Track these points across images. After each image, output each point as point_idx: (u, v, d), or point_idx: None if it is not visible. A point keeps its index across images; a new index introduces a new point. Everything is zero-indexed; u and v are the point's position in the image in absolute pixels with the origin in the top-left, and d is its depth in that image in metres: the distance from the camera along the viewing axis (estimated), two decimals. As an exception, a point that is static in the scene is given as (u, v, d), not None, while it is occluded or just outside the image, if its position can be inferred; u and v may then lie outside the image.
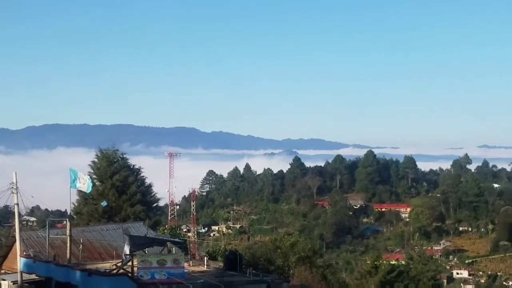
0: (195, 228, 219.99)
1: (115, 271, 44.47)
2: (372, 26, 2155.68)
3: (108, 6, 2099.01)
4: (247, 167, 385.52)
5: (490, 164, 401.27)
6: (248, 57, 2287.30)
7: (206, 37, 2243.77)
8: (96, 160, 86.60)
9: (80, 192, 75.44)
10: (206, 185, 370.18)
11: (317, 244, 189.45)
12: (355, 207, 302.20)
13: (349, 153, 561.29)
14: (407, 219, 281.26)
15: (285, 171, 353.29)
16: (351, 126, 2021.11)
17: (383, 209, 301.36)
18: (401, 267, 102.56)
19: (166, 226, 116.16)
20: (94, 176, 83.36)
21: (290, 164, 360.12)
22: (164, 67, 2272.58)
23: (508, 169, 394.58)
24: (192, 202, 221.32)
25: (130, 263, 43.86)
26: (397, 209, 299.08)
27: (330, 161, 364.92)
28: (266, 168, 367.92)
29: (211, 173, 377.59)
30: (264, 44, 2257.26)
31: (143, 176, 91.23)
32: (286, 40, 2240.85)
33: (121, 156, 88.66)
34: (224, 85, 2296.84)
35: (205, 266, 54.71)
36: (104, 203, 71.87)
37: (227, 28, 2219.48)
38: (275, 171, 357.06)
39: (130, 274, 42.58)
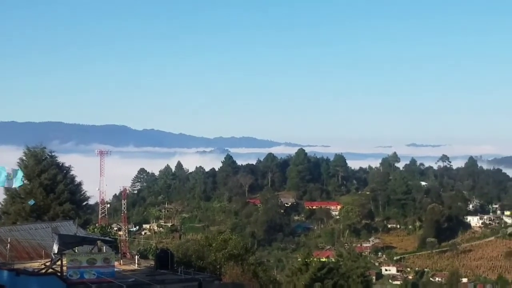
0: (126, 227, 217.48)
1: (43, 271, 43.65)
2: (297, 22, 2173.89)
3: (37, 4, 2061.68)
4: (179, 165, 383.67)
5: (418, 163, 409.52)
6: (178, 55, 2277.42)
7: (137, 34, 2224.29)
8: (24, 158, 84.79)
9: (7, 191, 73.86)
10: (138, 183, 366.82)
11: (249, 242, 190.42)
12: (286, 205, 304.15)
13: (280, 151, 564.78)
14: (337, 217, 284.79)
15: (217, 169, 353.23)
16: (283, 124, 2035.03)
17: (314, 207, 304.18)
18: (331, 264, 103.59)
19: (97, 224, 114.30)
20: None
21: (222, 162, 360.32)
22: (94, 64, 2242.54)
23: (435, 167, 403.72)
24: (123, 200, 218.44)
25: (59, 263, 43.13)
26: (328, 207, 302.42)
27: (261, 159, 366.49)
28: (198, 166, 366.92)
29: (142, 171, 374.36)
30: (194, 42, 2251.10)
31: (72, 175, 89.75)
32: (216, 38, 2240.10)
33: (50, 154, 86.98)
34: (156, 83, 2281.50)
35: (136, 265, 54.20)
36: (31, 202, 70.42)
37: (157, 25, 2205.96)
38: (207, 169, 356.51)
39: (59, 274, 41.87)
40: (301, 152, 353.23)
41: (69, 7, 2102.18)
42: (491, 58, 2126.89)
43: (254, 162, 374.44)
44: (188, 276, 47.71)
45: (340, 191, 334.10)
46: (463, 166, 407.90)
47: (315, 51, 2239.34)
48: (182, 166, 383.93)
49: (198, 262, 69.56)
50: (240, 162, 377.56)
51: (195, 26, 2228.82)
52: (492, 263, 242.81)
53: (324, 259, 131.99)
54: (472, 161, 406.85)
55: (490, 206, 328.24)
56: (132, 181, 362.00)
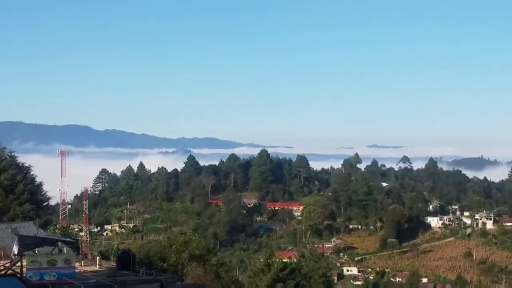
0: (87, 228, 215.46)
1: (3, 272, 43.20)
2: (261, 26, 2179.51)
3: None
4: (141, 165, 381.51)
5: (379, 164, 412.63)
6: (140, 55, 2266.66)
7: (99, 35, 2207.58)
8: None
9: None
10: (99, 184, 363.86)
11: (211, 243, 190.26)
12: (249, 205, 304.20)
13: (243, 152, 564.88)
14: (300, 218, 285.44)
15: (179, 170, 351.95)
16: (246, 125, 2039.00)
17: (276, 208, 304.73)
18: (293, 264, 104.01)
19: (57, 225, 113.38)
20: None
21: (184, 163, 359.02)
22: (55, 64, 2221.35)
23: (396, 168, 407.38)
24: (84, 201, 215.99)
25: (19, 264, 42.72)
26: (290, 208, 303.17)
27: (224, 160, 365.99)
28: (160, 167, 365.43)
29: (104, 171, 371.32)
30: (155, 43, 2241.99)
31: (32, 175, 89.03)
32: (178, 39, 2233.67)
33: (9, 154, 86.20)
34: (118, 83, 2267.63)
35: (98, 266, 54.01)
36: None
37: (119, 25, 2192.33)
38: (169, 170, 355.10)
39: (18, 275, 41.50)
40: (264, 153, 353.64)
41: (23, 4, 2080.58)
42: (451, 60, 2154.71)
43: (216, 162, 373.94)
44: (150, 277, 47.66)
45: (302, 192, 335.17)
46: (423, 167, 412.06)
47: (278, 55, 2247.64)
48: (144, 166, 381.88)
49: (160, 263, 69.38)
50: (202, 162, 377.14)
51: (157, 26, 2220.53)
52: (452, 263, 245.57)
53: (286, 260, 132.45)
54: (432, 163, 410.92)
55: (449, 207, 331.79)
56: (93, 182, 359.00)
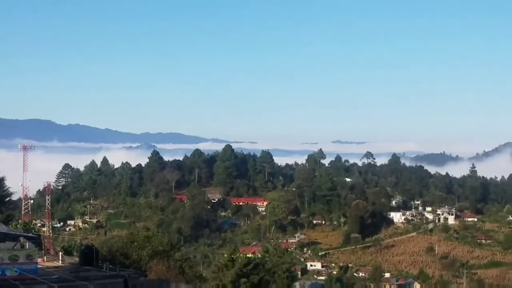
0: (50, 223, 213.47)
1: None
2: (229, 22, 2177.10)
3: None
4: (105, 160, 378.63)
5: (343, 159, 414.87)
6: (103, 49, 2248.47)
7: (62, 28, 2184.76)
8: None
9: None
10: (62, 179, 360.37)
11: (175, 238, 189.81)
12: (213, 201, 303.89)
13: (208, 147, 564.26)
14: (264, 213, 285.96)
15: (143, 165, 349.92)
16: (210, 120, 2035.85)
17: (241, 203, 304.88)
18: (257, 260, 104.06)
19: (20, 220, 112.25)
20: None
21: (148, 158, 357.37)
22: (18, 58, 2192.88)
23: (360, 164, 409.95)
24: (47, 196, 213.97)
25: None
26: (254, 203, 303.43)
27: (188, 155, 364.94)
28: (124, 162, 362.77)
29: (67, 166, 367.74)
30: (119, 37, 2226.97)
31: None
32: (142, 33, 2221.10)
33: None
34: (82, 77, 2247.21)
35: (60, 261, 53.64)
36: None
37: (82, 19, 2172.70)
38: (133, 165, 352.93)
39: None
40: (228, 148, 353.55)
41: None
42: (413, 57, 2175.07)
43: (181, 158, 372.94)
44: (113, 272, 47.48)
45: (266, 187, 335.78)
46: (386, 163, 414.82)
47: (241, 52, 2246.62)
48: (108, 161, 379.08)
49: (123, 258, 69.09)
50: (167, 158, 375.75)
51: (123, 21, 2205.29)
52: (414, 258, 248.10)
53: (250, 255, 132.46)
54: (395, 158, 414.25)
55: (412, 202, 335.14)
56: (56, 177, 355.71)
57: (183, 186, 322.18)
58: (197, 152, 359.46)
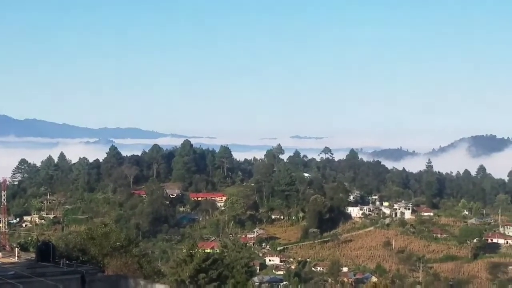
0: (6, 219, 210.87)
1: None
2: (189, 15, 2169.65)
3: None
4: (62, 156, 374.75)
5: (301, 154, 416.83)
6: (60, 42, 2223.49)
7: (18, 21, 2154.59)
8: None
9: None
10: (18, 174, 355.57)
11: (133, 234, 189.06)
12: (171, 196, 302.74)
13: (166, 142, 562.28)
14: (223, 208, 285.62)
15: (101, 160, 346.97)
16: (169, 115, 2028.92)
17: (199, 198, 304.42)
18: (216, 255, 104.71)
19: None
20: None
21: (106, 153, 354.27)
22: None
23: (318, 159, 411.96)
24: (2, 191, 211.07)
25: None
26: (213, 198, 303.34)
27: (147, 151, 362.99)
28: (81, 157, 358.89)
29: (23, 161, 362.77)
30: (74, 31, 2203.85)
31: None
32: (99, 28, 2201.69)
33: None
34: (38, 72, 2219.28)
35: (16, 258, 53.16)
36: None
37: (40, 13, 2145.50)
38: (91, 160, 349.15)
39: None
40: (187, 143, 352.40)
41: None
42: (370, 52, 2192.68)
43: (139, 153, 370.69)
44: (70, 268, 47.24)
45: (225, 182, 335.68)
46: (344, 158, 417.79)
47: (199, 48, 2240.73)
48: (65, 156, 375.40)
49: (80, 254, 68.73)
50: (125, 153, 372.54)
51: (76, 15, 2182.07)
52: (371, 253, 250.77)
53: (209, 250, 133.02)
54: (353, 153, 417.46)
55: (369, 197, 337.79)
56: (12, 172, 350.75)
57: (141, 181, 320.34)
58: (156, 148, 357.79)
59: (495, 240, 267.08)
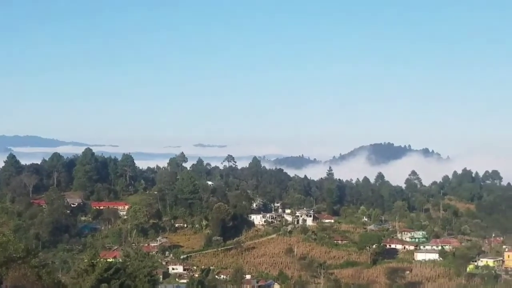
0: None
1: None
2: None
3: None
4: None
5: (205, 162, 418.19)
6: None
7: None
8: None
9: None
10: None
11: (33, 244, 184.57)
12: (73, 205, 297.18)
13: (67, 150, 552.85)
14: (125, 217, 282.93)
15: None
16: (70, 123, 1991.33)
17: (101, 207, 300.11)
18: (118, 264, 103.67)
19: None
20: None
21: (4, 161, 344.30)
22: None
23: (221, 167, 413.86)
24: None
25: None
26: (116, 207, 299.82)
27: (47, 159, 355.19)
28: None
29: None
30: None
31: None
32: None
33: None
34: None
35: None
36: None
37: None
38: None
39: None
40: (88, 151, 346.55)
41: None
42: (271, 61, 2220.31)
43: (39, 161, 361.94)
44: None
45: (128, 191, 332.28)
46: (247, 166, 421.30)
47: (100, 54, 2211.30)
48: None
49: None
50: (24, 161, 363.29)
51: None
52: (274, 260, 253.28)
53: (111, 260, 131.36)
54: (256, 161, 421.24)
55: (272, 204, 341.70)
56: None
57: (41, 190, 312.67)
58: (56, 156, 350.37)
59: (393, 246, 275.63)
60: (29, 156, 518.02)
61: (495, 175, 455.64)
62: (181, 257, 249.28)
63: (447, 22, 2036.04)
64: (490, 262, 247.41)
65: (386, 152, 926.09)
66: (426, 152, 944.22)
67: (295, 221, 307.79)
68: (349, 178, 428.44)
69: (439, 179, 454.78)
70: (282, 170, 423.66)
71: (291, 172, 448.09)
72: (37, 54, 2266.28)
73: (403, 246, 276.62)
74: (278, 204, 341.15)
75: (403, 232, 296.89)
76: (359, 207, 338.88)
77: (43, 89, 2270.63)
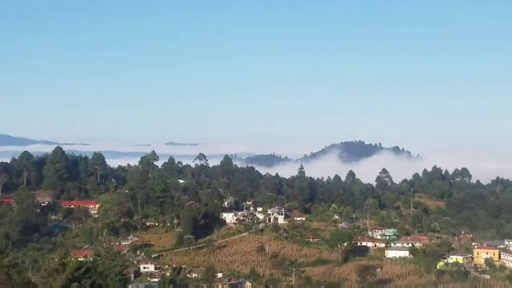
0: None
1: None
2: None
3: None
4: None
5: (176, 161, 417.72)
6: None
7: None
8: None
9: None
10: None
11: (2, 243, 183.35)
12: (43, 204, 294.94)
13: (37, 149, 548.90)
14: (96, 216, 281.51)
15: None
16: (40, 122, 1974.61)
17: (72, 206, 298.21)
18: (89, 263, 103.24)
19: None
20: None
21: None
22: None
23: (193, 165, 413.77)
24: None
25: None
26: (86, 206, 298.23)
27: (16, 158, 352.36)
28: None
29: None
30: None
31: None
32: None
33: None
34: None
35: None
36: None
37: None
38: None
39: None
40: (59, 150, 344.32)
41: None
42: (243, 60, 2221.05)
43: (8, 160, 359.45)
44: None
45: (98, 189, 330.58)
46: (219, 164, 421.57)
47: (71, 53, 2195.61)
48: None
49: None
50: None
51: None
52: (245, 258, 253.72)
53: (82, 259, 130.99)
54: (227, 160, 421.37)
55: (244, 203, 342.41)
56: None
57: (11, 189, 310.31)
58: (26, 154, 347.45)
59: (364, 244, 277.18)
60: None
61: (465, 172, 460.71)
62: (153, 256, 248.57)
63: (417, 21, 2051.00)
64: (460, 259, 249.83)
65: (357, 150, 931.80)
66: (396, 150, 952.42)
67: (266, 219, 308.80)
68: (320, 176, 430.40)
69: (409, 177, 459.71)
70: (254, 168, 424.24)
71: (262, 170, 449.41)
72: (4, 52, 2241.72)
73: (374, 244, 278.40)
74: (250, 202, 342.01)
75: (374, 230, 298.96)
76: (330, 205, 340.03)
77: (13, 87, 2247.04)
